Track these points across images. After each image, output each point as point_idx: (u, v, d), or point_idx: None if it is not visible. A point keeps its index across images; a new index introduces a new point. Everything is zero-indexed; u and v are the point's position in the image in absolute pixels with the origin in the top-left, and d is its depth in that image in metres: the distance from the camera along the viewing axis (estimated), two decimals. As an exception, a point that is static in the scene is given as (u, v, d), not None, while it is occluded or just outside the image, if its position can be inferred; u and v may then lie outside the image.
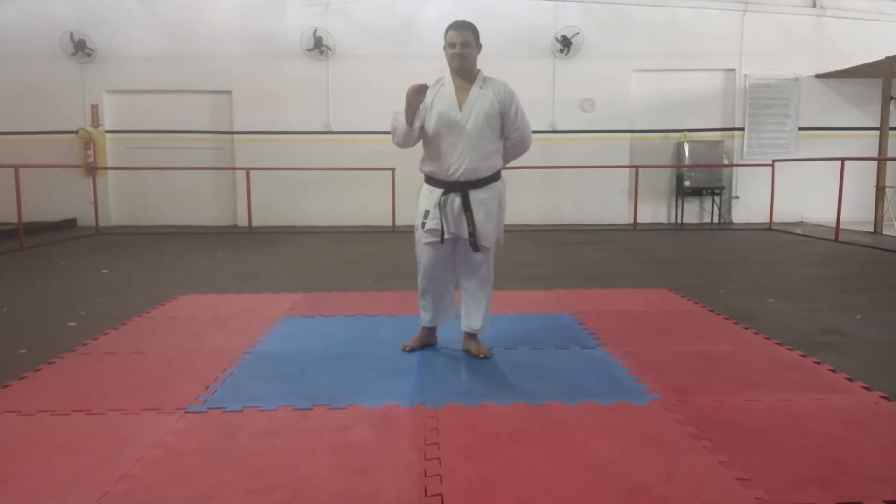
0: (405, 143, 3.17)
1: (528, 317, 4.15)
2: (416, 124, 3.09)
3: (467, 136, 3.06)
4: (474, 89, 3.11)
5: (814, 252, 7.33)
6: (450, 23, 3.12)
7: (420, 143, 3.22)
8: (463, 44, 3.06)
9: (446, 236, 3.15)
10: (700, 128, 10.70)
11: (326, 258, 7.04)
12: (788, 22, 10.49)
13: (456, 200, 3.12)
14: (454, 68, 3.12)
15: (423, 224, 3.18)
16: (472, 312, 3.33)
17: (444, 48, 3.13)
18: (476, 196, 3.12)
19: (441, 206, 3.12)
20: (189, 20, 10.31)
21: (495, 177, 3.20)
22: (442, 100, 3.11)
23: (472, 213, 3.10)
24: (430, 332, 3.46)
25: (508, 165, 3.32)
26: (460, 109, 3.08)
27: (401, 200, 9.29)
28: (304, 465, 2.14)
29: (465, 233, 3.13)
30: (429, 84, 3.16)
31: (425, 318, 3.41)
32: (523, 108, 3.20)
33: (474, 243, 3.13)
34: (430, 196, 3.17)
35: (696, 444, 2.28)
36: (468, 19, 3.15)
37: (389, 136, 3.19)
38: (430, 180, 3.20)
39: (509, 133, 3.19)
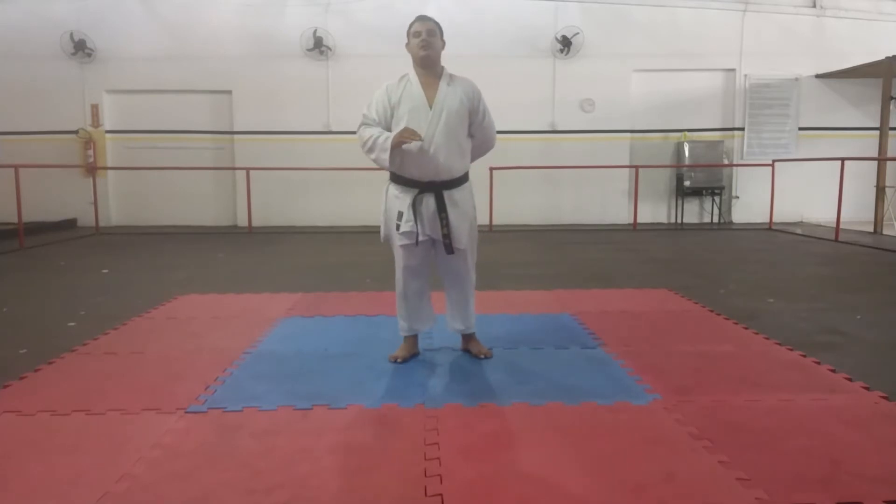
0: (383, 165, 3.08)
1: (528, 317, 4.15)
2: (396, 160, 3.02)
3: (440, 133, 2.98)
4: (442, 86, 3.04)
5: (814, 252, 7.33)
6: (414, 19, 3.08)
7: None
8: (429, 32, 3.02)
9: (421, 238, 3.07)
10: (700, 128, 10.70)
11: (326, 258, 7.04)
12: (788, 22, 10.49)
13: (430, 201, 3.04)
14: (420, 59, 3.04)
15: (398, 226, 3.08)
16: (455, 313, 3.31)
17: (407, 44, 3.09)
18: (450, 196, 3.06)
19: (415, 207, 3.04)
20: (189, 20, 10.32)
21: (467, 176, 3.16)
22: (410, 98, 3.02)
23: (447, 215, 3.04)
24: (413, 341, 3.34)
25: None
26: (430, 108, 3.00)
27: (401, 200, 9.27)
28: (304, 465, 2.14)
29: (439, 234, 3.07)
30: (392, 83, 3.09)
31: (404, 326, 3.29)
32: (489, 107, 3.17)
33: (449, 245, 3.07)
34: (402, 197, 3.06)
35: (696, 444, 2.28)
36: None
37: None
38: (401, 180, 3.07)
39: (474, 132, 3.13)
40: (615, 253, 7.37)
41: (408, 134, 2.90)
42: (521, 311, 4.30)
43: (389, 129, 3.03)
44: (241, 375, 3.04)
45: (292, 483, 2.03)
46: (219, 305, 4.55)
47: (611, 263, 6.58)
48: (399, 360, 3.24)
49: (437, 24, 3.09)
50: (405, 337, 3.32)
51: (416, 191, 3.05)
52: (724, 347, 3.47)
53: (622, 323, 3.99)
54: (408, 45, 3.10)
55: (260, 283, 5.45)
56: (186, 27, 10.32)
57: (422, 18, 3.07)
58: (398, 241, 3.13)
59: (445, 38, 3.12)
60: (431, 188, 3.04)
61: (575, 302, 4.57)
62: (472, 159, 3.25)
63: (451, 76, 3.11)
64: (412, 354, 3.32)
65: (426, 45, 3.02)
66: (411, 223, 3.04)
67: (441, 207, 3.04)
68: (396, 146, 2.95)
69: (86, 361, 3.29)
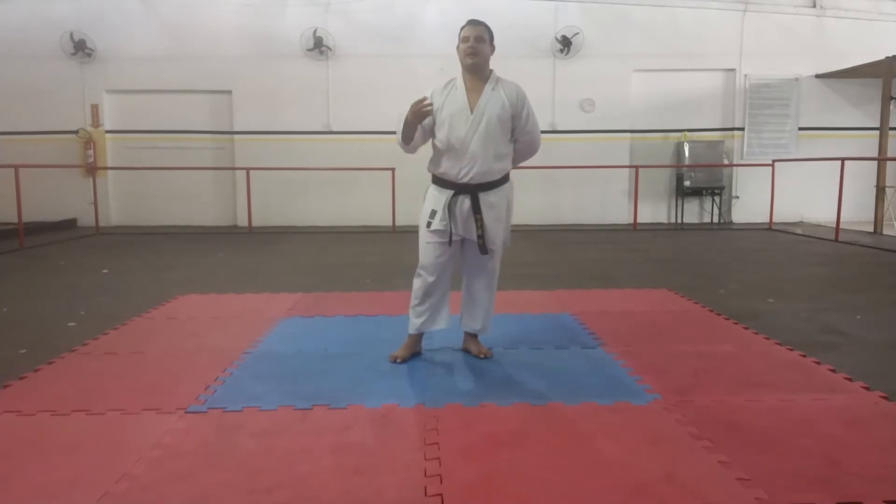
0: (408, 151, 3.19)
1: (528, 317, 4.15)
2: (416, 140, 3.08)
3: (478, 138, 3.02)
4: (486, 91, 3.06)
5: (814, 252, 7.33)
6: (464, 22, 3.08)
7: (426, 145, 3.20)
8: (477, 38, 3.02)
9: (454, 238, 3.11)
10: (700, 128, 10.71)
11: (326, 258, 7.04)
12: (788, 22, 10.49)
13: (465, 202, 3.07)
14: (467, 66, 3.07)
15: (430, 224, 3.12)
16: (474, 313, 3.30)
17: (458, 46, 3.08)
18: (486, 199, 3.08)
19: (450, 208, 3.07)
20: (189, 20, 10.32)
21: (505, 179, 3.17)
22: (453, 102, 3.07)
23: (481, 216, 3.07)
24: (417, 339, 3.35)
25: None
26: (471, 112, 3.03)
27: (401, 200, 9.29)
28: (304, 465, 2.14)
29: (473, 235, 3.10)
30: (438, 88, 3.13)
31: (415, 323, 3.26)
32: (534, 111, 3.16)
33: (483, 246, 3.10)
34: (438, 196, 3.11)
35: (696, 444, 2.28)
36: (467, 19, 3.12)
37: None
38: (439, 181, 3.13)
39: (519, 136, 3.15)
40: (615, 253, 7.37)
41: (413, 111, 2.93)
42: (522, 311, 4.30)
43: (433, 133, 3.11)
44: (241, 375, 3.04)
45: (292, 483, 2.03)
46: (219, 305, 4.55)
47: (611, 263, 6.58)
48: (399, 360, 3.23)
49: (487, 28, 3.08)
50: (410, 335, 3.32)
51: (451, 192, 3.08)
52: (724, 347, 3.47)
53: (622, 323, 3.99)
54: (458, 47, 3.10)
55: (260, 283, 5.45)
56: (186, 27, 10.32)
57: (472, 23, 3.06)
58: (427, 239, 3.16)
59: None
60: (466, 190, 3.07)
61: (575, 302, 4.57)
62: (516, 162, 3.26)
63: (499, 80, 3.12)
64: (413, 353, 3.31)
65: (473, 52, 3.03)
66: (445, 222, 3.09)
67: (476, 209, 3.07)
68: (411, 121, 2.98)
69: (86, 361, 3.28)
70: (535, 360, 3.28)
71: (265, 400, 2.71)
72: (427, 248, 3.17)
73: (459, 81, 3.12)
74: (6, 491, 2.00)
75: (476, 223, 3.08)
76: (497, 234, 3.15)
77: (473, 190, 3.06)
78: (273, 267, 6.49)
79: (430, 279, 3.20)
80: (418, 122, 3.00)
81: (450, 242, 3.12)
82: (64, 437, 2.37)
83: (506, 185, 3.18)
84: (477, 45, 3.02)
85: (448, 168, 3.07)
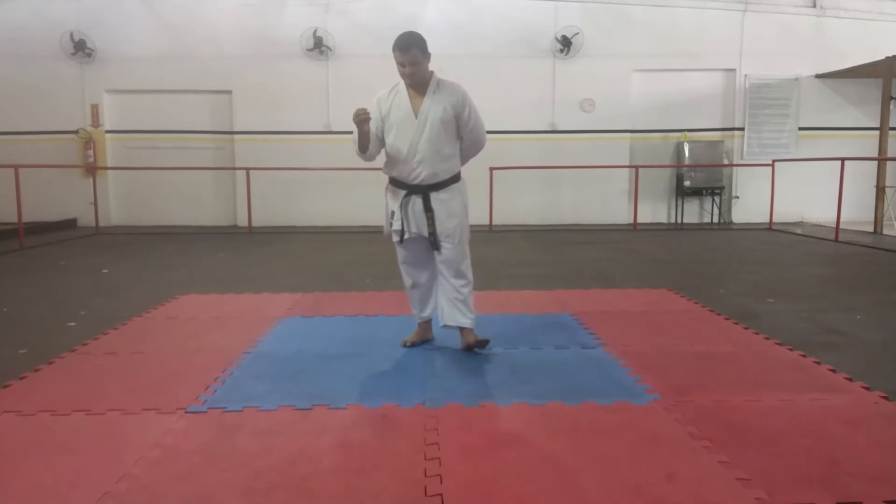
0: (366, 160, 3.32)
1: (528, 317, 4.15)
2: (372, 148, 3.23)
3: (424, 141, 3.15)
4: (428, 94, 3.19)
5: (814, 252, 7.33)
6: (396, 38, 3.10)
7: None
8: (411, 63, 3.10)
9: (406, 236, 3.28)
10: (700, 128, 10.71)
11: (326, 258, 7.04)
12: (788, 22, 10.49)
13: (418, 202, 3.23)
14: (407, 84, 3.20)
15: (392, 224, 3.32)
16: (445, 306, 3.38)
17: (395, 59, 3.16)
18: (437, 196, 3.23)
19: (403, 208, 3.24)
20: (189, 20, 10.32)
21: (455, 178, 3.30)
22: (398, 108, 3.20)
23: (433, 214, 3.21)
24: (426, 327, 3.56)
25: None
26: (416, 116, 3.16)
27: (401, 200, 9.27)
28: (304, 465, 2.14)
29: (426, 232, 3.24)
30: (384, 94, 3.27)
31: (415, 314, 3.54)
32: (476, 109, 3.26)
33: (434, 242, 3.24)
34: (394, 198, 3.31)
35: (696, 444, 2.28)
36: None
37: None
38: (393, 182, 3.33)
39: (463, 134, 3.28)
40: (615, 253, 7.37)
41: (359, 117, 3.06)
42: (521, 311, 4.30)
43: (382, 138, 3.26)
44: (241, 375, 3.05)
45: (292, 483, 2.03)
46: (219, 305, 4.55)
47: (611, 263, 6.58)
48: (408, 344, 3.46)
49: (418, 46, 3.10)
50: (419, 322, 3.55)
51: (404, 192, 3.26)
52: (724, 347, 3.47)
53: (622, 323, 3.99)
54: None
55: (260, 283, 5.44)
56: (186, 27, 10.32)
57: (401, 48, 3.09)
58: (394, 238, 3.37)
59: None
60: (418, 190, 3.24)
61: (575, 302, 4.57)
62: (465, 160, 3.41)
63: (440, 82, 3.23)
64: (424, 339, 3.53)
65: (410, 75, 3.15)
66: (399, 222, 3.27)
67: (427, 207, 3.23)
68: (360, 130, 3.11)
69: (86, 361, 3.29)
70: (534, 360, 3.28)
71: (265, 400, 2.71)
72: (398, 248, 3.41)
73: (402, 87, 3.24)
74: (6, 491, 2.00)
75: (427, 220, 3.22)
76: (451, 230, 3.26)
77: (425, 190, 3.22)
78: (273, 267, 6.49)
79: (407, 274, 3.44)
80: (362, 127, 3.10)
81: (401, 240, 3.30)
82: (64, 437, 2.37)
83: (458, 184, 3.32)
84: (413, 69, 3.12)
85: (400, 171, 3.25)
